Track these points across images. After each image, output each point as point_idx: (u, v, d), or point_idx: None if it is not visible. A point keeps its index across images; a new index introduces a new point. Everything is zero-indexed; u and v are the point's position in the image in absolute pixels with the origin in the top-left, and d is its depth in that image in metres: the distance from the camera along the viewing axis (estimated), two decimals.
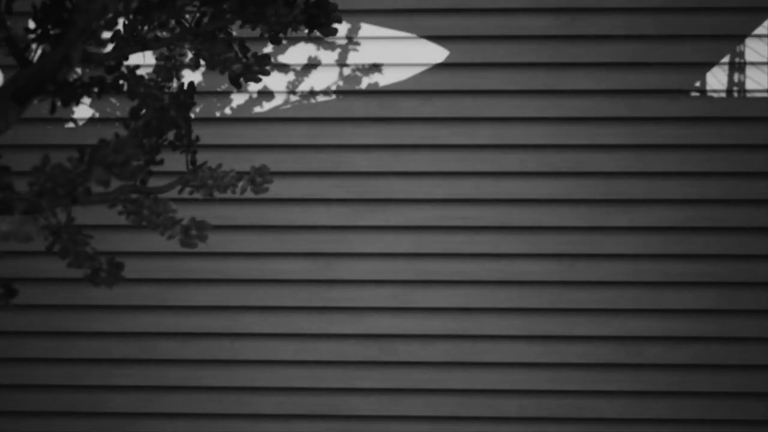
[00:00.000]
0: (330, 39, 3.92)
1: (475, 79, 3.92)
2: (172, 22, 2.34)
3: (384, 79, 3.94)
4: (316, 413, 3.95)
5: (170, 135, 2.79)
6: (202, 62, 2.41)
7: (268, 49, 3.87)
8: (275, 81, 3.94)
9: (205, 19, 2.38)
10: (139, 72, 2.54)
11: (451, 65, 3.92)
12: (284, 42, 3.88)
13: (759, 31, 3.87)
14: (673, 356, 3.89)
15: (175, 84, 2.59)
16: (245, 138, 3.96)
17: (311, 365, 3.95)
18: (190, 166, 2.54)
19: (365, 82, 3.93)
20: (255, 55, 2.44)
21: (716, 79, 3.89)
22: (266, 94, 3.95)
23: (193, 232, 2.24)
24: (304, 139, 3.94)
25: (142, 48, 2.33)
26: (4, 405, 3.99)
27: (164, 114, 2.41)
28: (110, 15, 1.83)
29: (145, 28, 2.30)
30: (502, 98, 3.91)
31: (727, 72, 3.88)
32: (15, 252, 3.96)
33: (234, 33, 2.52)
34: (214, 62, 2.40)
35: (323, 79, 3.95)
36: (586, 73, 3.90)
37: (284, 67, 3.95)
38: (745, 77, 3.87)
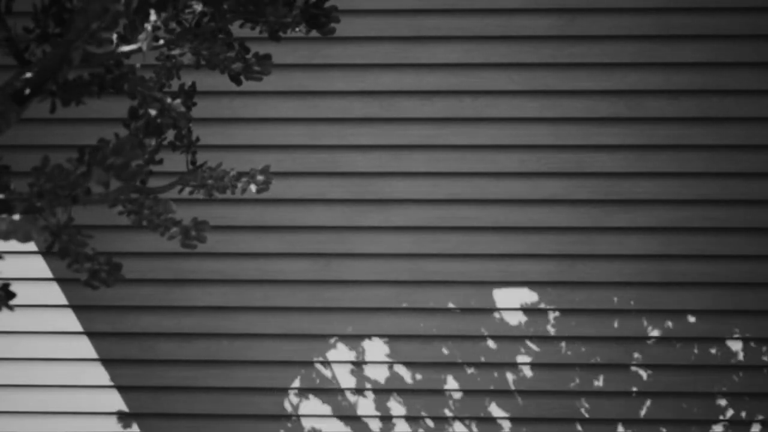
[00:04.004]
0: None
1: (475, 79, 3.91)
2: (172, 22, 2.34)
3: (384, 79, 3.94)
4: (316, 413, 3.95)
5: (170, 135, 2.79)
6: (202, 62, 2.40)
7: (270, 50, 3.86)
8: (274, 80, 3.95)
9: (205, 19, 2.38)
10: (138, 72, 2.54)
11: (451, 65, 3.92)
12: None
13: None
14: (675, 358, 3.89)
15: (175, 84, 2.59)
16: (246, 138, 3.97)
17: (311, 365, 3.95)
18: (190, 166, 2.54)
19: (366, 82, 3.93)
20: (256, 54, 2.44)
21: None
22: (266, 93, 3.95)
23: (193, 233, 2.24)
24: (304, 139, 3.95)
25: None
26: (4, 405, 3.99)
27: (164, 114, 2.41)
28: (110, 15, 1.84)
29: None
30: (502, 98, 3.91)
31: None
32: (15, 252, 3.96)
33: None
34: (214, 62, 2.40)
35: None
36: (586, 73, 3.90)
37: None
38: None
